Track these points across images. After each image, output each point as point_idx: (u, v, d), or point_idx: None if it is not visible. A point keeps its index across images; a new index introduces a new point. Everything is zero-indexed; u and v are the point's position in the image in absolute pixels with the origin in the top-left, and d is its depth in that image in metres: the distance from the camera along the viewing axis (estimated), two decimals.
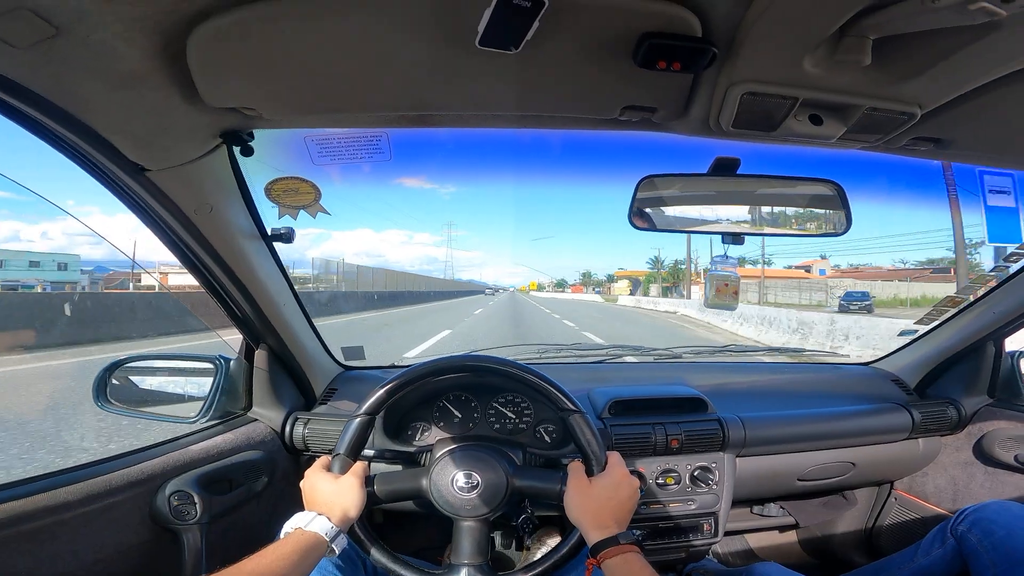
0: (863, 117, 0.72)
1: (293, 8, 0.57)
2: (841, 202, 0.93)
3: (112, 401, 1.11)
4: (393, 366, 1.60)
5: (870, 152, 0.85)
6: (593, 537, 0.82)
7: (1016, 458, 1.35)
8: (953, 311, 1.46)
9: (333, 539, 0.81)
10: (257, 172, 0.94)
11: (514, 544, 1.56)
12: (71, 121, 0.69)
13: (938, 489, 1.50)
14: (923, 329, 1.57)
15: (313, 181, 0.94)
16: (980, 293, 1.37)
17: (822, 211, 0.96)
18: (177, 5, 0.55)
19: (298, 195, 0.94)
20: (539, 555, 1.45)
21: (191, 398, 1.19)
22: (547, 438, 1.27)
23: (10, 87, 0.61)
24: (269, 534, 0.91)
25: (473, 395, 1.29)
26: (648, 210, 0.93)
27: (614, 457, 0.93)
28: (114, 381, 1.13)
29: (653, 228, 0.93)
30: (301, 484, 0.91)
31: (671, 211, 0.93)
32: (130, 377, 1.18)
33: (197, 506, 1.00)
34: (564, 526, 1.49)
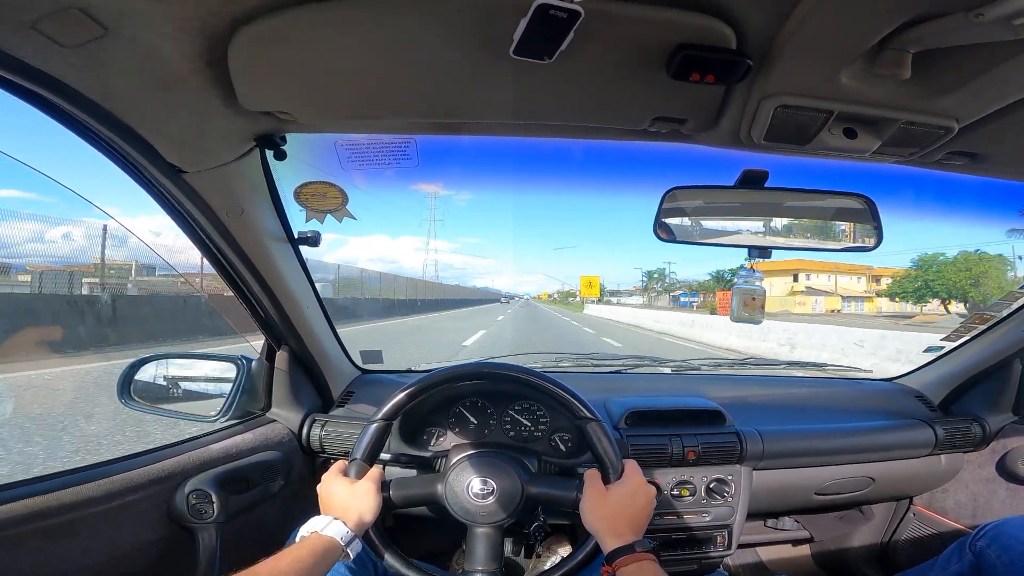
0: (899, 131, 0.71)
1: (334, 14, 0.58)
2: (872, 216, 0.92)
3: (136, 398, 1.13)
4: (409, 371, 1.61)
5: (903, 166, 0.84)
6: (609, 545, 0.81)
7: None
8: (981, 328, 1.43)
9: (348, 543, 0.82)
10: (286, 175, 0.95)
11: (523, 551, 1.55)
12: (113, 122, 0.70)
13: (958, 505, 1.48)
14: (949, 346, 1.54)
15: (341, 185, 0.94)
16: (1008, 311, 1.35)
17: (852, 225, 0.94)
18: (222, 7, 0.56)
19: (326, 199, 0.95)
20: (549, 563, 1.45)
21: (212, 397, 1.20)
22: (562, 447, 1.27)
23: (55, 86, 0.62)
24: (282, 535, 0.92)
25: (489, 402, 1.29)
26: (674, 222, 0.92)
27: (631, 465, 0.92)
28: (138, 378, 1.15)
29: (679, 240, 0.92)
30: (318, 488, 0.91)
31: (697, 223, 0.93)
32: (154, 375, 1.19)
33: (215, 505, 1.01)
34: (575, 534, 1.48)
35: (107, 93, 0.66)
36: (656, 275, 69.23)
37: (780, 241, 0.92)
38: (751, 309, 0.97)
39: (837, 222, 0.95)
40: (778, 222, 0.93)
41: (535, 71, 0.64)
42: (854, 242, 0.94)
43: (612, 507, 0.86)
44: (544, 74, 0.65)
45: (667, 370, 1.78)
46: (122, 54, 0.60)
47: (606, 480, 0.91)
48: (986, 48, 0.57)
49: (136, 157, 0.77)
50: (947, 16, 0.52)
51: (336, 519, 0.83)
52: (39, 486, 0.82)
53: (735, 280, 0.99)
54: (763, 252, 0.92)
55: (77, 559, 0.84)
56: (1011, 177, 0.92)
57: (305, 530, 0.82)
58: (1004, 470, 1.41)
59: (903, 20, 0.54)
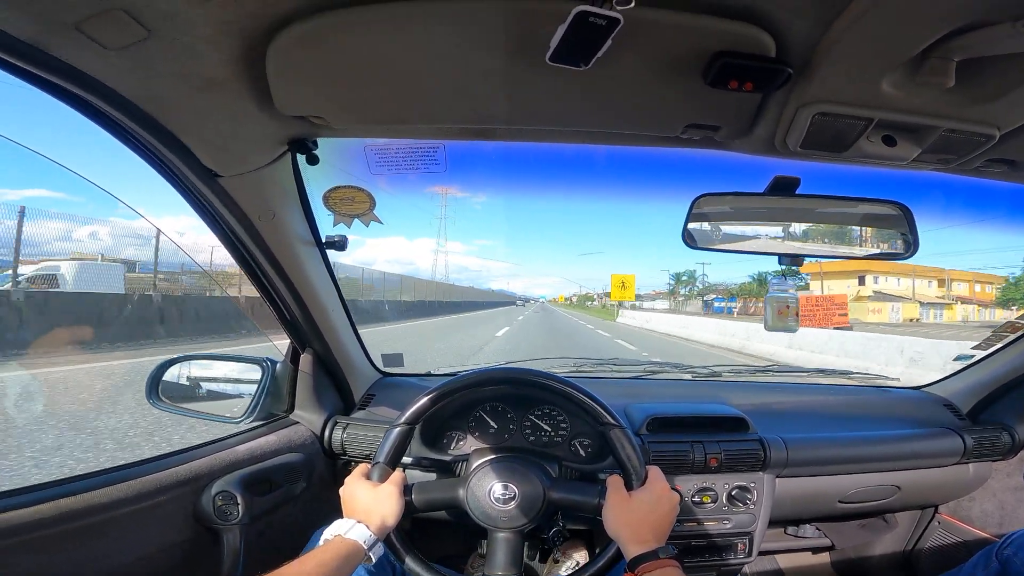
0: (939, 139, 0.70)
1: (371, 18, 0.58)
2: (907, 224, 0.90)
3: (163, 399, 1.14)
4: (429, 374, 1.61)
5: (939, 173, 0.83)
6: (632, 551, 0.81)
7: None
8: (1012, 337, 1.41)
9: (371, 547, 0.82)
10: (315, 179, 0.95)
11: (538, 556, 1.55)
12: (152, 125, 0.71)
13: (984, 513, 1.46)
14: (980, 354, 1.52)
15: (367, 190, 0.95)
16: None
17: (886, 232, 0.93)
18: (262, 9, 0.57)
19: (354, 204, 0.96)
20: (565, 568, 1.45)
21: (235, 398, 1.21)
22: (582, 452, 1.26)
23: (97, 88, 0.63)
24: (303, 537, 0.93)
25: (510, 407, 1.28)
26: (703, 228, 0.91)
27: (654, 472, 0.92)
28: (166, 379, 1.16)
29: (708, 247, 0.92)
30: (340, 491, 0.92)
31: (726, 230, 0.92)
32: (180, 376, 1.20)
33: (239, 507, 1.01)
34: (591, 539, 1.48)
35: (148, 96, 0.67)
36: (685, 278, 60.52)
37: (811, 248, 0.91)
38: (784, 317, 0.96)
39: (869, 228, 0.93)
40: (809, 228, 0.92)
41: (570, 78, 0.63)
42: (886, 248, 0.93)
43: (635, 513, 0.86)
44: (579, 81, 0.65)
45: (688, 376, 1.77)
46: (164, 56, 0.61)
47: (629, 486, 0.90)
48: None
49: (173, 161, 0.77)
50: (994, 25, 0.51)
51: (359, 522, 0.83)
52: (70, 487, 0.83)
53: (768, 288, 0.98)
54: (794, 259, 0.91)
55: (105, 560, 0.85)
56: None
57: (329, 533, 0.83)
58: None
59: (949, 29, 0.53)
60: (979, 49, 0.55)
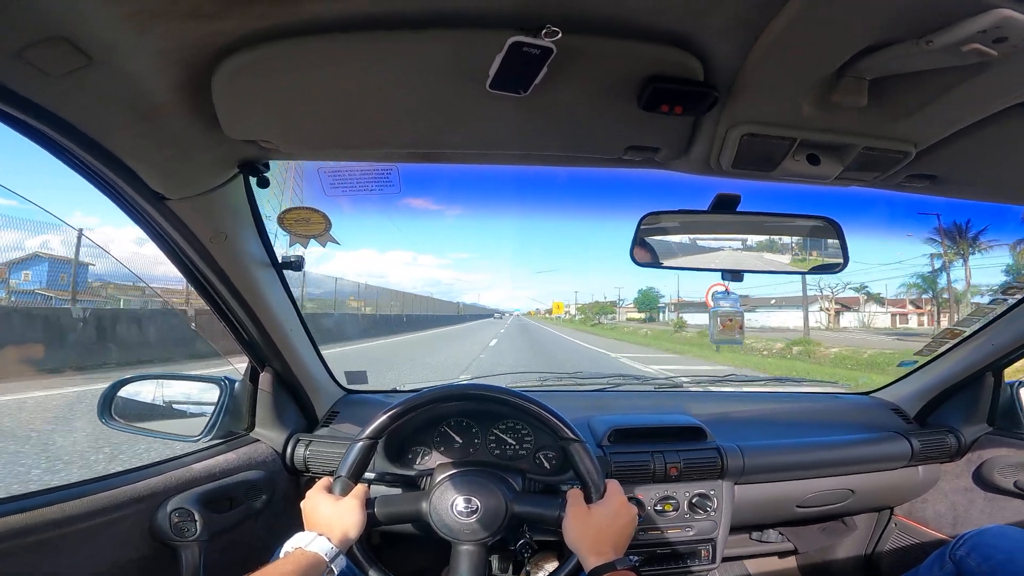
0: (859, 156, 0.74)
1: (315, 47, 0.60)
2: (838, 237, 0.95)
3: (116, 418, 1.12)
4: (395, 391, 1.61)
5: (868, 189, 0.87)
6: (591, 563, 0.82)
7: (1016, 484, 1.36)
8: (952, 342, 1.47)
9: (332, 560, 0.82)
10: (270, 200, 0.96)
11: (511, 568, 1.55)
12: (97, 149, 0.71)
13: (938, 515, 1.50)
14: (923, 360, 1.58)
15: (323, 211, 0.96)
16: (978, 325, 1.38)
17: (820, 247, 0.97)
18: (205, 39, 0.58)
19: (309, 225, 0.96)
20: None
21: (194, 418, 1.20)
22: (547, 464, 1.28)
23: (41, 114, 0.63)
24: (266, 553, 0.92)
25: (474, 421, 1.29)
26: (650, 246, 0.94)
27: (613, 485, 0.94)
28: (120, 398, 1.14)
29: (655, 264, 0.94)
30: (302, 504, 0.92)
31: (673, 247, 0.95)
32: (135, 395, 1.19)
33: (197, 523, 1.01)
34: (562, 551, 1.48)
35: (91, 121, 0.67)
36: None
37: (752, 263, 0.95)
38: (729, 330, 0.99)
39: (806, 244, 0.98)
40: (750, 245, 0.96)
41: (511, 104, 0.66)
42: (822, 262, 0.97)
43: (594, 526, 0.88)
44: (520, 107, 0.67)
45: (650, 388, 1.79)
46: (106, 83, 0.61)
47: (588, 499, 0.92)
48: (938, 74, 0.59)
49: (119, 184, 0.77)
50: (899, 44, 0.54)
51: (320, 535, 0.83)
52: (23, 503, 0.82)
53: (711, 303, 1.02)
54: (735, 275, 0.95)
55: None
56: (969, 197, 0.95)
57: (289, 545, 0.83)
58: (981, 480, 1.43)
59: (858, 49, 0.56)
60: (888, 67, 0.58)
